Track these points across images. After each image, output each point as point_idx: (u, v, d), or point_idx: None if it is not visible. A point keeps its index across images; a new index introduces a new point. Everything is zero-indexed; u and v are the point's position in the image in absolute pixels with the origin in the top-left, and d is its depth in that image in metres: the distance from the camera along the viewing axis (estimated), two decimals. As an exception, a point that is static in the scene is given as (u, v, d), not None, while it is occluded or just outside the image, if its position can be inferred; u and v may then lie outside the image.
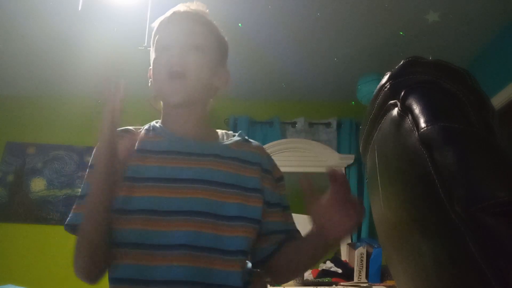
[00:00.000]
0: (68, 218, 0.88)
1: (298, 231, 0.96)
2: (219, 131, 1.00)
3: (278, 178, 0.98)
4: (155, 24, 0.96)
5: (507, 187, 0.50)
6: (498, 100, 2.46)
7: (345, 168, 3.15)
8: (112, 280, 0.82)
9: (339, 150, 3.23)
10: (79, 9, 2.07)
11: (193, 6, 0.96)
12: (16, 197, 3.18)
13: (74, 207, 0.90)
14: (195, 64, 0.89)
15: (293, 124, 3.33)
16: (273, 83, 3.21)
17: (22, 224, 3.12)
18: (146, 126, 0.96)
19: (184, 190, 0.83)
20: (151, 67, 0.95)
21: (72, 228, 0.86)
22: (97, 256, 0.80)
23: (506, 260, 0.46)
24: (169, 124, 0.94)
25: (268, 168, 0.95)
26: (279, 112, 3.34)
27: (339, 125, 3.33)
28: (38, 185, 3.23)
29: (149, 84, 0.95)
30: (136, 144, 0.87)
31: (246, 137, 1.00)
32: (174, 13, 0.94)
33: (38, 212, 3.14)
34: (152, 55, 0.94)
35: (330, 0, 2.37)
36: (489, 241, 0.48)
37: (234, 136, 0.99)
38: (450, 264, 0.54)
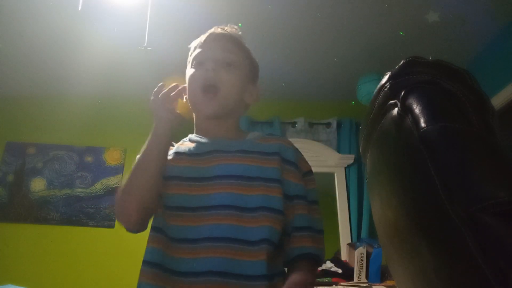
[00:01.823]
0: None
1: (319, 231, 0.94)
2: (250, 133, 1.06)
3: (306, 172, 0.98)
4: (193, 44, 1.06)
5: (507, 187, 0.50)
6: (498, 100, 2.47)
7: (345, 168, 3.15)
8: (143, 263, 0.87)
9: (339, 150, 3.23)
10: (79, 9, 2.07)
11: (228, 28, 1.06)
12: (16, 197, 3.18)
13: None
14: (227, 78, 0.97)
15: (293, 124, 3.33)
16: (273, 83, 3.21)
17: (22, 224, 3.12)
18: (184, 139, 1.05)
19: (211, 187, 0.89)
20: (186, 85, 1.03)
21: None
22: (145, 201, 0.88)
23: (506, 260, 0.46)
24: (202, 133, 1.02)
25: (291, 159, 0.97)
26: (279, 112, 3.34)
27: (339, 125, 3.33)
28: (38, 185, 3.23)
29: (184, 99, 1.02)
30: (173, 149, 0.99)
31: (273, 133, 1.07)
32: (210, 34, 1.03)
33: (38, 212, 3.13)
34: (188, 72, 1.02)
35: (330, 0, 2.37)
36: (489, 241, 0.48)
37: (260, 134, 1.05)
38: (450, 264, 0.54)
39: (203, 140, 0.99)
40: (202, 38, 1.04)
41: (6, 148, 3.32)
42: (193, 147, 0.98)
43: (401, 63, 0.73)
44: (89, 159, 3.32)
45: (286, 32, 2.63)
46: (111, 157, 3.33)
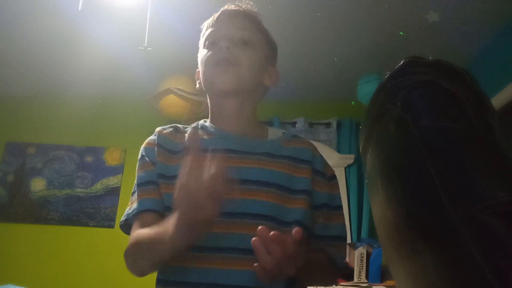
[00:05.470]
0: (125, 214, 0.86)
1: (336, 237, 0.90)
2: (268, 128, 0.98)
3: (330, 177, 0.93)
4: (205, 24, 0.94)
5: (507, 187, 0.50)
6: (498, 100, 2.46)
7: (345, 168, 3.15)
8: (158, 282, 0.83)
9: (339, 150, 3.23)
10: (79, 9, 2.07)
11: (243, 5, 0.94)
12: (16, 197, 3.18)
13: (131, 201, 0.86)
14: (244, 57, 0.87)
15: (293, 124, 3.33)
16: (273, 83, 3.20)
17: (22, 224, 3.12)
18: (194, 125, 0.94)
19: (247, 192, 0.81)
20: (198, 69, 0.93)
21: (127, 226, 0.86)
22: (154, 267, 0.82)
23: (506, 260, 0.46)
24: (218, 120, 0.92)
25: (319, 168, 0.92)
26: (279, 112, 3.34)
27: (339, 125, 3.33)
28: (38, 185, 3.23)
29: (197, 85, 0.93)
30: (185, 142, 0.87)
31: (296, 134, 0.98)
32: (223, 11, 0.92)
33: (38, 212, 3.14)
34: (201, 53, 0.92)
35: (330, 0, 2.37)
36: (489, 241, 0.48)
37: (283, 133, 0.97)
38: (450, 264, 0.54)
39: (222, 133, 0.89)
40: (215, 16, 0.93)
41: (6, 148, 3.32)
42: (210, 142, 0.87)
43: (401, 63, 0.73)
44: (89, 159, 3.32)
45: (286, 32, 2.63)
46: (111, 157, 3.33)
